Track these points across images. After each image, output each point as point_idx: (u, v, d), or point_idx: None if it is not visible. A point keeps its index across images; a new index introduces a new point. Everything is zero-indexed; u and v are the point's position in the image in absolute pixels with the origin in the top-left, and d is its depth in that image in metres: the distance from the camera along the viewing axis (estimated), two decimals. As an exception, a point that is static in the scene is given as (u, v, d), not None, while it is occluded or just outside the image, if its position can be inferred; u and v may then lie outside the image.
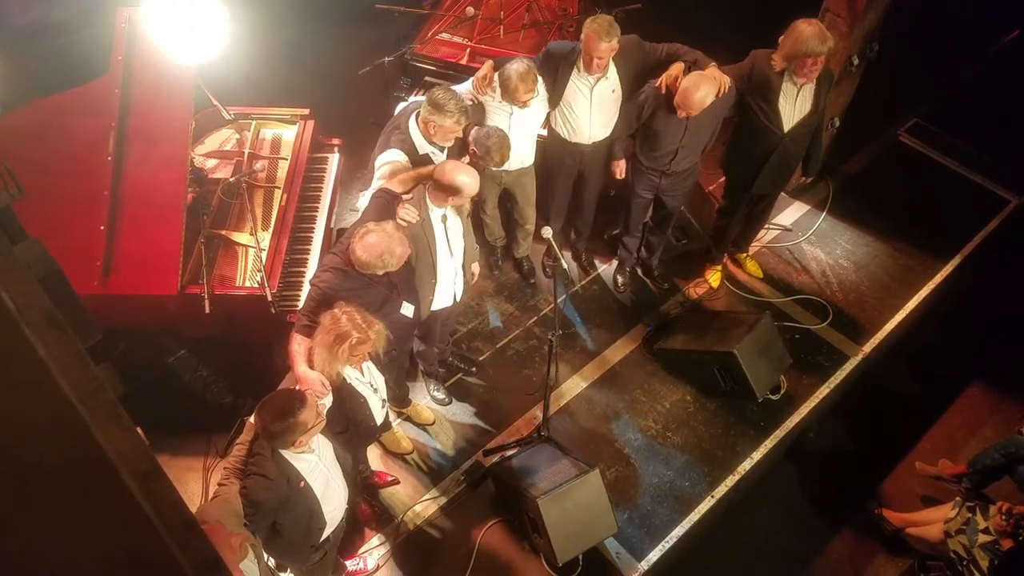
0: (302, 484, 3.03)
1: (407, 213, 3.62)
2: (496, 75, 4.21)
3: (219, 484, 3.03)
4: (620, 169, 4.63)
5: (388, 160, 3.87)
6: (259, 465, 2.95)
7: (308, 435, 2.94)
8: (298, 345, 3.29)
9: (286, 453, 2.97)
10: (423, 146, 3.95)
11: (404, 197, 3.69)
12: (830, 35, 4.07)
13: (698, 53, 4.30)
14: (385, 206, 3.63)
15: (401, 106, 4.38)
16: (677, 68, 4.23)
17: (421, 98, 4.21)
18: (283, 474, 2.96)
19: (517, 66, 4.09)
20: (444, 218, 3.77)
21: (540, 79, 4.24)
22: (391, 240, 3.32)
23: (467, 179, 3.61)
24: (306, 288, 4.15)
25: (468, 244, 4.01)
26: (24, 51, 5.26)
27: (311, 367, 3.21)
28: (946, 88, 6.55)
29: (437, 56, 5.31)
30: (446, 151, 4.05)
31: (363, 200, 3.96)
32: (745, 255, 5.39)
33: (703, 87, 4.01)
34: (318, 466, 3.09)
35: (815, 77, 4.18)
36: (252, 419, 3.09)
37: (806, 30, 4.03)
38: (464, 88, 4.36)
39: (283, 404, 2.89)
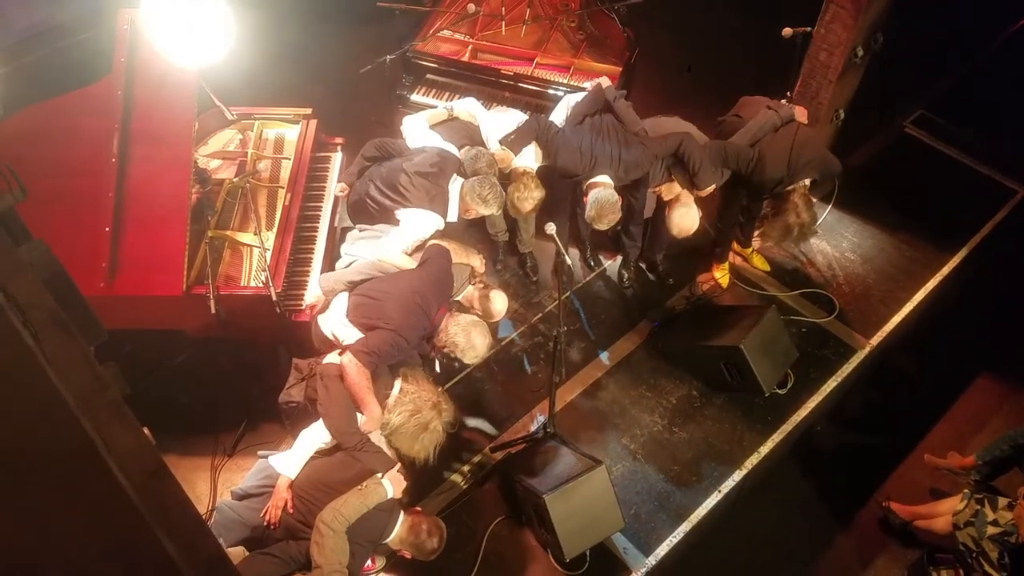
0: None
1: None
2: (512, 191, 4.34)
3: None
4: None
5: (429, 227, 4.06)
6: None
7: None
8: (366, 380, 3.51)
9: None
10: (453, 215, 4.16)
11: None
12: (813, 217, 4.61)
13: (684, 134, 4.48)
14: (447, 267, 3.98)
15: (413, 128, 4.32)
16: (671, 193, 4.57)
17: (446, 146, 4.25)
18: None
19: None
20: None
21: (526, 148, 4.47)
22: (486, 342, 3.84)
23: (502, 308, 4.18)
24: (311, 285, 4.17)
25: None
26: (27, 53, 5.29)
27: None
28: (952, 79, 6.51)
29: (439, 53, 5.31)
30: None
31: (391, 239, 4.02)
32: (751, 250, 5.37)
33: (687, 220, 4.49)
34: None
35: None
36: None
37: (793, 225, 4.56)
38: (495, 132, 4.46)
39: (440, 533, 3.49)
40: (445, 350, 3.88)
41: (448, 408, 3.62)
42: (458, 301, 4.15)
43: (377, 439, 3.61)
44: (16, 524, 1.16)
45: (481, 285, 4.18)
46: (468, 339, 3.78)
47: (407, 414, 3.51)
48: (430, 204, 4.03)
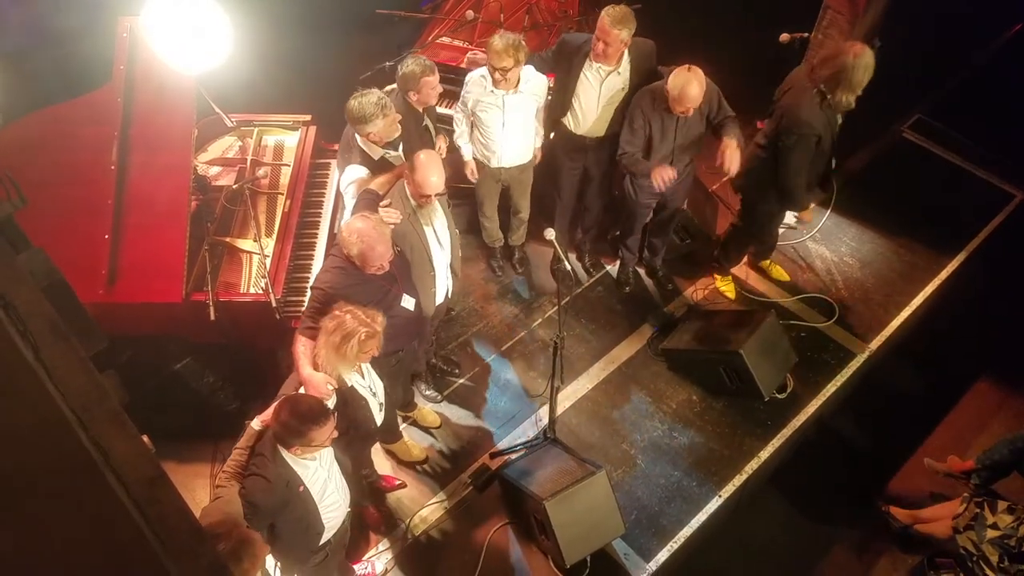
0: (301, 489, 3.03)
1: (389, 214, 3.65)
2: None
3: (217, 486, 3.02)
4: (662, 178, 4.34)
5: (353, 178, 3.92)
6: (260, 466, 2.95)
7: (311, 449, 2.95)
8: (303, 347, 3.29)
9: (287, 457, 2.97)
10: (376, 152, 4.00)
11: (382, 204, 3.72)
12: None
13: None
14: (371, 203, 3.68)
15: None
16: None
17: None
18: (282, 478, 2.96)
19: (498, 36, 4.11)
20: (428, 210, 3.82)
21: (529, 64, 4.28)
22: (378, 231, 3.36)
23: (435, 178, 3.62)
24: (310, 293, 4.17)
25: (453, 234, 4.09)
26: (26, 61, 5.29)
27: (316, 369, 3.22)
28: (949, 83, 6.53)
29: (437, 60, 5.27)
30: (400, 148, 4.10)
31: (346, 217, 3.97)
32: (769, 261, 5.36)
33: (695, 81, 4.02)
34: (318, 471, 3.10)
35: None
36: (253, 424, 3.10)
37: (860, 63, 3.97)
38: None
39: (308, 410, 2.89)
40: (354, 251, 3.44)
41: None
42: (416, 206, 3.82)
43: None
44: (14, 534, 1.16)
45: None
46: (350, 232, 3.38)
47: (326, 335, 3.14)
48: (348, 157, 4.00)
